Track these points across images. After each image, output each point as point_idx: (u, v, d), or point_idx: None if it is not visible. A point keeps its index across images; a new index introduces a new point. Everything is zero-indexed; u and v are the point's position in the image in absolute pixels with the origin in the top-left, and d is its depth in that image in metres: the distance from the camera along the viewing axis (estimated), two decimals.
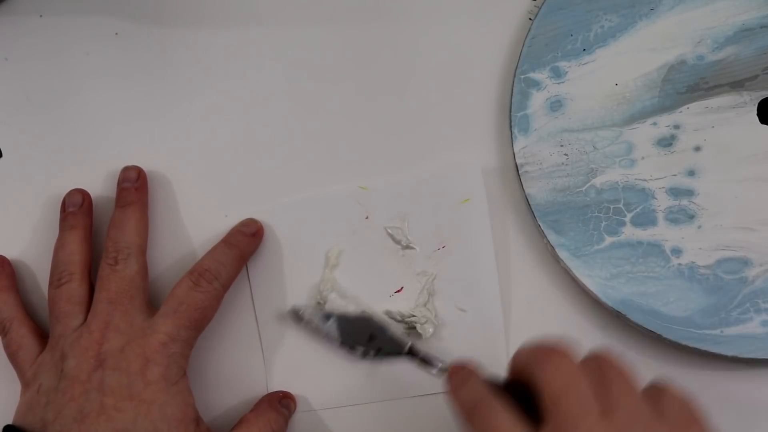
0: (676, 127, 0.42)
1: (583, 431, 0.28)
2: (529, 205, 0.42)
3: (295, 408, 0.42)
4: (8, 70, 0.47)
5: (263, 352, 0.43)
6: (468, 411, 0.32)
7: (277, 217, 0.44)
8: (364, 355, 0.41)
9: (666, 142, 0.42)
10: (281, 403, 0.42)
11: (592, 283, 0.41)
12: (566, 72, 0.43)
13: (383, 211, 0.44)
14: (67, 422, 0.36)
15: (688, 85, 0.42)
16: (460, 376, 0.34)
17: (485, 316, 0.42)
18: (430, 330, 0.41)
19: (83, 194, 0.44)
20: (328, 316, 0.41)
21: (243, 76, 0.46)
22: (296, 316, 0.42)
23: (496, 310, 0.42)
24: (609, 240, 0.41)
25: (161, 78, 0.46)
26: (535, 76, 0.43)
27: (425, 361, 0.39)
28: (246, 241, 0.43)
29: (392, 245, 0.43)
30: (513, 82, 0.43)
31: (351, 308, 0.42)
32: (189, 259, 0.45)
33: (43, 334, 0.41)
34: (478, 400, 0.31)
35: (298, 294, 0.43)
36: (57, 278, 0.41)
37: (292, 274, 0.43)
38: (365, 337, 0.41)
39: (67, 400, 0.36)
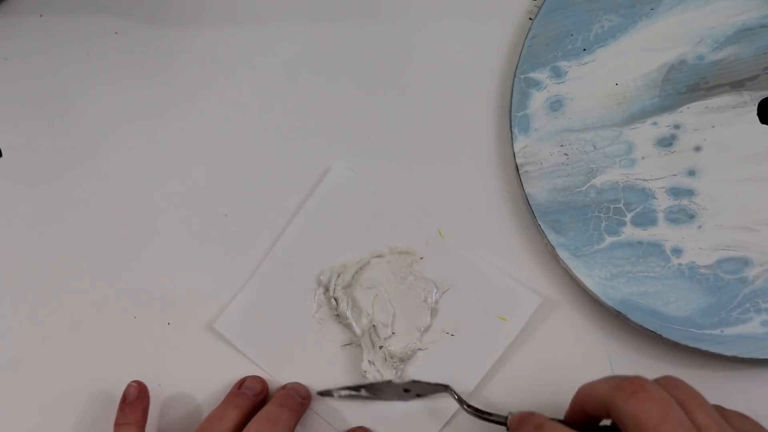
0: (677, 127, 0.42)
1: None
2: (529, 205, 0.42)
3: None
4: (8, 70, 0.47)
5: None
6: None
7: None
8: (407, 399, 0.41)
9: (666, 142, 0.42)
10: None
11: (592, 283, 0.41)
12: (566, 72, 0.43)
13: (437, 263, 0.43)
14: None
15: (688, 84, 0.42)
16: (531, 422, 0.34)
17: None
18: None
19: (263, 386, 0.43)
20: (357, 389, 0.42)
21: (243, 75, 0.46)
22: (326, 394, 0.42)
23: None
24: (609, 240, 0.41)
25: (161, 77, 0.46)
26: (535, 76, 0.43)
27: (478, 412, 0.39)
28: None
29: (418, 297, 0.43)
30: (513, 82, 0.43)
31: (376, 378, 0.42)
32: (189, 258, 0.45)
33: None
34: None
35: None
36: None
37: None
38: (399, 392, 0.41)
39: None
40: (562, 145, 0.43)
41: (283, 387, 0.43)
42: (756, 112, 0.42)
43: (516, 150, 0.43)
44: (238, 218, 0.45)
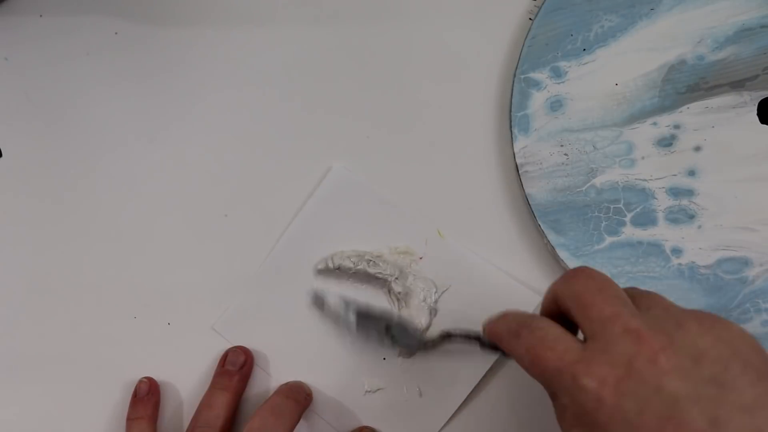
0: (676, 127, 0.42)
1: (619, 327, 0.29)
2: (529, 205, 0.42)
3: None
4: (8, 70, 0.47)
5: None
6: (514, 333, 0.32)
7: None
8: (379, 341, 0.42)
9: (666, 142, 0.42)
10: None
11: None
12: (566, 72, 0.43)
13: (437, 263, 0.43)
14: None
15: (688, 85, 0.42)
16: (496, 317, 0.34)
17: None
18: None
19: (246, 355, 0.43)
20: (347, 305, 0.42)
21: (243, 75, 0.46)
22: (318, 301, 0.43)
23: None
24: (609, 240, 0.41)
25: (161, 77, 0.46)
26: (535, 76, 0.43)
27: (464, 337, 0.39)
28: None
29: (420, 294, 0.43)
30: (513, 82, 0.43)
31: (372, 305, 0.43)
32: (189, 258, 0.45)
33: None
34: (522, 320, 0.32)
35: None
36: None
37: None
38: (382, 328, 0.42)
39: None
40: (562, 145, 0.43)
41: (286, 383, 0.43)
42: (756, 112, 0.42)
43: (516, 150, 0.43)
44: (238, 218, 0.45)
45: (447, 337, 0.40)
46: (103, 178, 0.46)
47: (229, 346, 0.44)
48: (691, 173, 0.42)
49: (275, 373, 0.43)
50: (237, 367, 0.42)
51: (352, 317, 0.42)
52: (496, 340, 0.34)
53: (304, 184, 0.45)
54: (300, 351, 0.43)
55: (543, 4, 0.44)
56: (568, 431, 0.29)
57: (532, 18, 0.44)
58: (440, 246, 0.43)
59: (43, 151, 0.46)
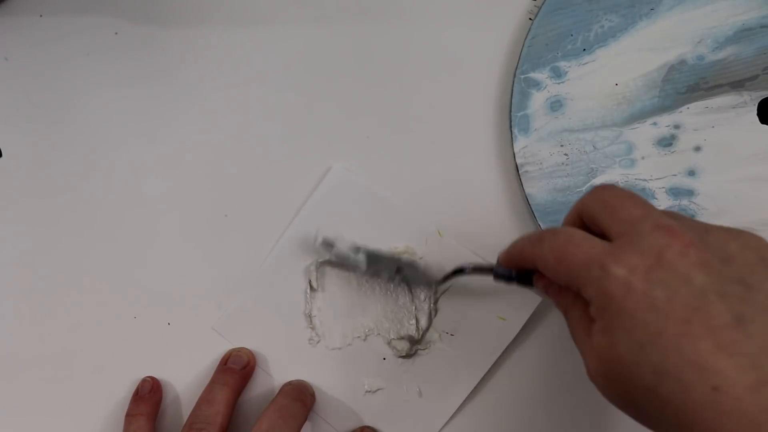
0: (676, 127, 0.42)
1: (649, 224, 0.29)
2: (529, 205, 0.42)
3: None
4: (8, 70, 0.47)
5: None
6: (536, 239, 0.32)
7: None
8: (389, 280, 0.42)
9: (666, 142, 0.42)
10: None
11: None
12: (566, 72, 0.43)
13: (436, 263, 0.43)
14: None
15: (688, 85, 0.42)
16: (513, 241, 0.34)
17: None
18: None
19: (249, 357, 0.43)
20: (357, 249, 0.42)
21: (243, 75, 0.46)
22: (327, 246, 0.43)
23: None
24: None
25: (161, 77, 0.46)
26: (535, 76, 0.43)
27: (476, 269, 0.39)
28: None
29: (417, 297, 0.43)
30: (513, 82, 0.43)
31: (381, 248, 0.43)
32: (189, 259, 0.45)
33: None
34: (543, 230, 0.32)
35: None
36: (194, 429, 0.40)
37: None
38: (392, 269, 0.42)
39: None
40: (562, 145, 0.43)
41: (289, 383, 0.43)
42: (756, 112, 0.42)
43: (516, 150, 0.43)
44: (238, 219, 0.45)
45: (459, 271, 0.40)
46: (103, 178, 0.46)
47: (229, 346, 0.44)
48: (691, 173, 0.42)
49: (275, 373, 0.43)
50: (239, 367, 0.42)
51: (362, 258, 0.42)
52: (516, 257, 0.34)
53: (304, 184, 0.45)
54: (300, 351, 0.43)
55: (543, 4, 0.44)
56: (586, 333, 0.29)
57: (532, 18, 0.44)
58: (440, 246, 0.43)
59: (43, 151, 0.46)
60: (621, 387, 0.28)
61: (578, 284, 0.30)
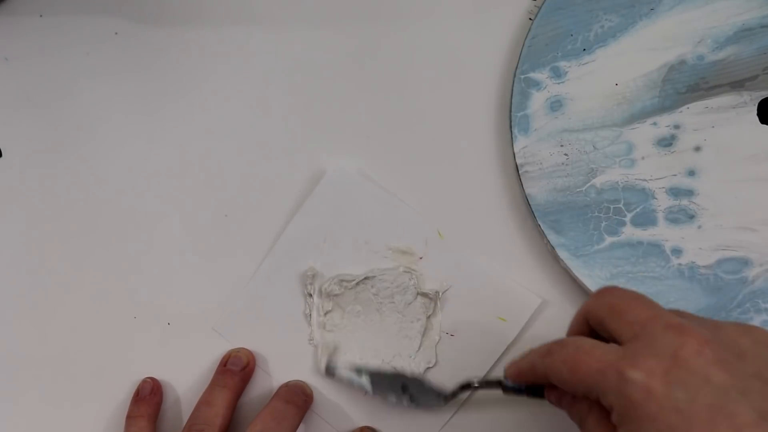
0: (676, 127, 0.42)
1: (660, 325, 0.29)
2: (529, 205, 0.42)
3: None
4: (8, 70, 0.47)
5: None
6: (545, 352, 0.32)
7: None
8: (398, 402, 0.41)
9: (666, 142, 0.42)
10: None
11: (592, 283, 0.41)
12: (566, 72, 0.43)
13: (436, 263, 0.43)
14: None
15: (688, 85, 0.42)
16: (518, 356, 0.34)
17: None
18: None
19: (249, 358, 0.43)
20: (359, 371, 0.41)
21: (242, 75, 0.46)
22: (329, 371, 0.42)
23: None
24: (609, 240, 0.41)
25: (161, 77, 0.46)
26: (535, 76, 0.43)
27: (485, 384, 0.39)
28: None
29: (420, 298, 0.43)
30: (513, 82, 0.43)
31: (384, 366, 0.42)
32: (189, 258, 0.45)
33: None
34: (550, 343, 0.32)
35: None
36: (194, 430, 0.40)
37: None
38: (398, 388, 0.41)
39: None
40: (562, 146, 0.43)
41: (286, 384, 0.43)
42: (756, 112, 0.42)
43: (516, 150, 0.43)
44: (238, 218, 0.45)
45: (466, 387, 0.40)
46: (102, 178, 0.46)
47: (229, 346, 0.44)
48: (691, 173, 0.42)
49: (275, 373, 0.43)
50: (239, 368, 0.42)
51: (366, 380, 0.41)
52: (525, 372, 0.34)
53: (305, 183, 0.45)
54: (300, 351, 0.43)
55: (543, 4, 0.44)
56: None
57: (532, 18, 0.44)
58: (440, 246, 0.43)
59: (43, 151, 0.46)
60: None
61: (596, 393, 0.29)
